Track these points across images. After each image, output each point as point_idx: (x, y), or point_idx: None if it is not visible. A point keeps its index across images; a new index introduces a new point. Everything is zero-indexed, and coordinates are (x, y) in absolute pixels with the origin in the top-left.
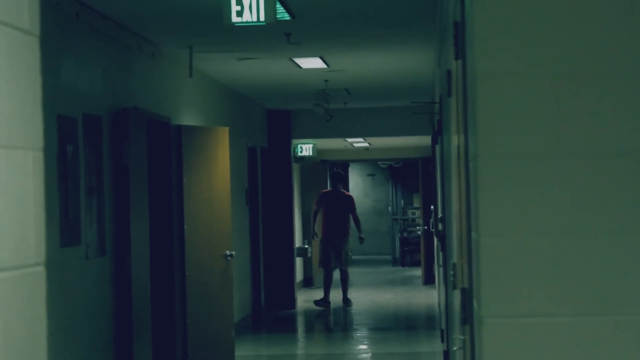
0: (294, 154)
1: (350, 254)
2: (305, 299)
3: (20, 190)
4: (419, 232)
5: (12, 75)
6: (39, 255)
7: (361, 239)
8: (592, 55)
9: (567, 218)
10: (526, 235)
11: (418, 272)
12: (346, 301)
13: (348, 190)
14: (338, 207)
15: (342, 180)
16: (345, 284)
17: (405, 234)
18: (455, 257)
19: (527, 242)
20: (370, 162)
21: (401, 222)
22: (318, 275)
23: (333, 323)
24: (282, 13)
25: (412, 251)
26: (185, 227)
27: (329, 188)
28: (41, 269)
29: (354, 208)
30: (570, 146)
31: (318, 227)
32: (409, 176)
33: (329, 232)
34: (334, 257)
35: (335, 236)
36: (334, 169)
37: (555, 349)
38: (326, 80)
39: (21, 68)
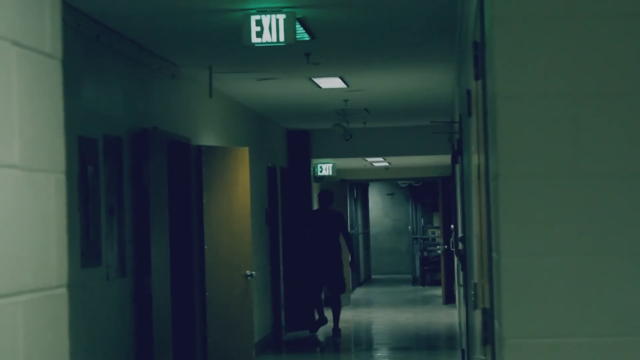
0: (313, 174)
1: (344, 278)
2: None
3: (42, 213)
4: (439, 251)
5: (35, 99)
6: (61, 278)
7: (353, 265)
8: (613, 75)
9: (589, 238)
10: (547, 256)
11: (438, 291)
12: (337, 332)
13: (353, 210)
14: (327, 226)
15: (330, 199)
16: (336, 313)
17: (425, 253)
18: (476, 277)
19: (549, 263)
20: (389, 181)
21: (421, 241)
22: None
23: (354, 343)
24: (301, 33)
25: (432, 270)
26: (206, 247)
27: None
28: (63, 291)
29: (346, 225)
30: (592, 166)
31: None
32: (428, 195)
33: (318, 256)
34: (324, 283)
35: (325, 261)
36: (322, 188)
37: None
38: (346, 100)
39: (44, 91)
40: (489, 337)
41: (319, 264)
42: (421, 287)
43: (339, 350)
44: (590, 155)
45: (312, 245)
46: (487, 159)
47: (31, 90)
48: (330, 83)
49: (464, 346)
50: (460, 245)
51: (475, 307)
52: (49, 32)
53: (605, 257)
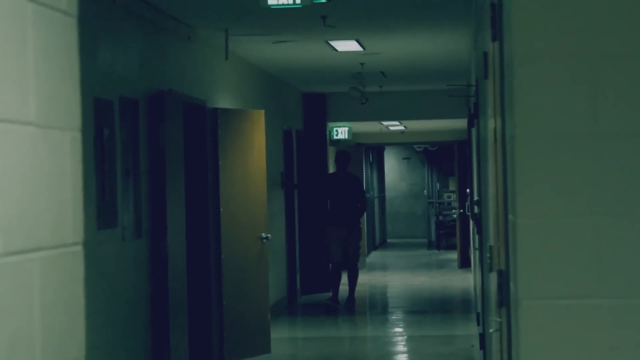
0: (329, 137)
1: (359, 248)
2: (341, 282)
3: (58, 171)
4: (455, 216)
5: (50, 56)
6: (77, 235)
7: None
8: (631, 35)
9: (605, 199)
10: (563, 217)
11: (453, 255)
12: (351, 302)
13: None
14: (345, 191)
15: (347, 160)
16: (352, 283)
17: (440, 217)
18: (491, 240)
19: (565, 224)
20: (405, 145)
21: (437, 205)
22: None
23: (368, 306)
24: None
25: (448, 234)
26: (221, 209)
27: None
28: (79, 249)
29: (363, 192)
30: (609, 127)
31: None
32: (444, 159)
33: (334, 220)
34: (341, 251)
35: (340, 226)
36: (339, 149)
37: (592, 331)
38: (362, 63)
39: (60, 49)
40: (504, 299)
41: (336, 232)
42: (436, 251)
43: (354, 313)
44: (607, 116)
45: (329, 212)
46: (503, 121)
47: (47, 47)
48: (347, 46)
49: (479, 309)
50: (476, 209)
51: (491, 270)
52: None
53: (622, 218)
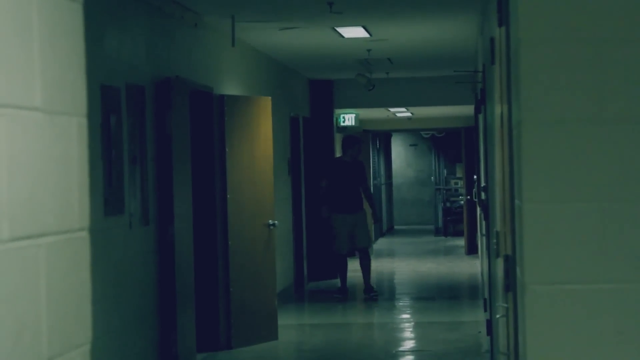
0: (336, 124)
1: (369, 231)
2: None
3: (64, 156)
4: (462, 202)
5: (56, 41)
6: (83, 221)
7: (375, 217)
8: (637, 20)
9: (611, 184)
10: (569, 202)
11: (461, 242)
12: (369, 290)
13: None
14: (348, 176)
15: (352, 145)
16: (366, 269)
17: (447, 204)
18: (498, 225)
19: (571, 209)
20: (412, 132)
21: (444, 191)
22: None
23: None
24: None
25: (455, 221)
26: (228, 196)
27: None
28: (85, 234)
29: (365, 178)
30: (615, 112)
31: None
32: (451, 146)
33: (339, 207)
34: (347, 238)
35: (346, 212)
36: (348, 134)
37: (599, 316)
38: (369, 50)
39: (65, 34)
40: (510, 284)
41: (341, 219)
42: (443, 237)
43: (361, 300)
44: (613, 101)
45: (333, 198)
46: (510, 107)
47: (52, 32)
48: (353, 32)
49: (486, 296)
50: (483, 195)
51: (498, 255)
52: None
53: (628, 203)
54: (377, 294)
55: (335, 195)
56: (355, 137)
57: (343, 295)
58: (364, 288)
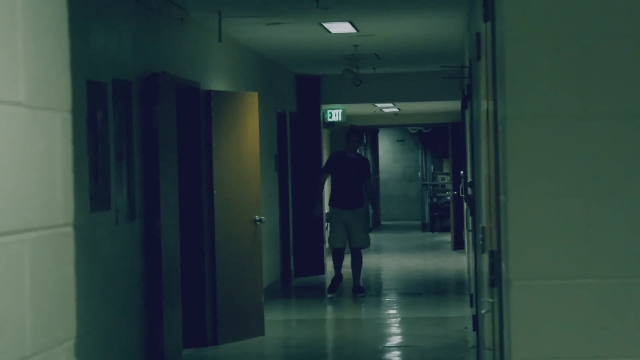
0: (323, 120)
1: (366, 230)
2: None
3: (48, 152)
4: (449, 198)
5: (40, 37)
6: (67, 216)
7: (375, 217)
8: (621, 16)
9: (596, 180)
10: (554, 197)
11: (447, 237)
12: (358, 289)
13: (365, 155)
14: (350, 171)
15: (348, 138)
16: (356, 269)
17: (434, 200)
18: (484, 221)
19: (556, 204)
20: (399, 127)
21: (431, 187)
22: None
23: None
24: None
25: (442, 217)
26: (215, 192)
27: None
28: (70, 230)
29: (369, 175)
30: (600, 107)
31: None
32: (438, 141)
33: (338, 202)
34: (343, 233)
35: (343, 207)
36: (351, 125)
37: (583, 311)
38: (355, 45)
39: (49, 30)
40: (496, 280)
41: (338, 215)
42: (430, 233)
43: (348, 296)
44: (598, 96)
45: (332, 193)
46: (495, 102)
47: (36, 28)
48: (340, 28)
49: (473, 291)
50: (470, 191)
51: (484, 251)
52: None
53: (613, 199)
54: (364, 295)
55: (335, 189)
56: (352, 129)
57: (334, 292)
58: (353, 286)
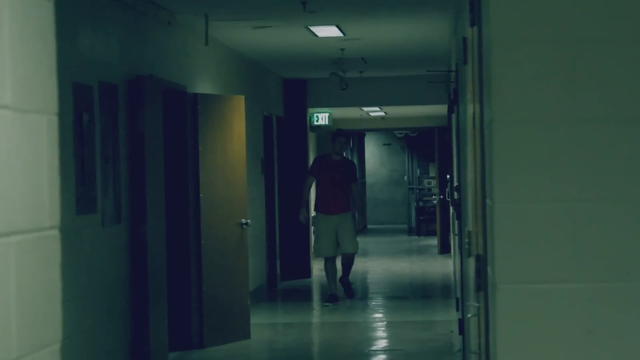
0: (309, 123)
1: (354, 235)
2: (320, 268)
3: (34, 154)
4: (435, 202)
5: (27, 39)
6: (53, 219)
7: (361, 220)
8: (608, 21)
9: (582, 184)
10: (540, 202)
11: (434, 241)
12: (349, 291)
13: (352, 158)
14: (335, 174)
15: (333, 141)
16: (346, 269)
17: (421, 204)
18: (470, 225)
19: (542, 209)
20: (386, 131)
21: (417, 191)
22: None
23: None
24: None
25: (428, 220)
26: (201, 195)
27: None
28: (56, 233)
29: (354, 177)
30: (586, 112)
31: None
32: (425, 145)
33: (324, 207)
34: (330, 240)
35: (329, 212)
36: (338, 129)
37: (569, 315)
38: (342, 49)
39: (36, 32)
40: (482, 284)
41: (325, 220)
42: (417, 237)
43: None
44: (585, 101)
45: (318, 197)
46: (481, 107)
47: (23, 30)
48: (327, 31)
49: (459, 295)
50: (456, 195)
51: (470, 255)
52: None
53: (599, 203)
54: (337, 300)
55: (320, 193)
56: (337, 133)
57: (333, 303)
58: (344, 288)
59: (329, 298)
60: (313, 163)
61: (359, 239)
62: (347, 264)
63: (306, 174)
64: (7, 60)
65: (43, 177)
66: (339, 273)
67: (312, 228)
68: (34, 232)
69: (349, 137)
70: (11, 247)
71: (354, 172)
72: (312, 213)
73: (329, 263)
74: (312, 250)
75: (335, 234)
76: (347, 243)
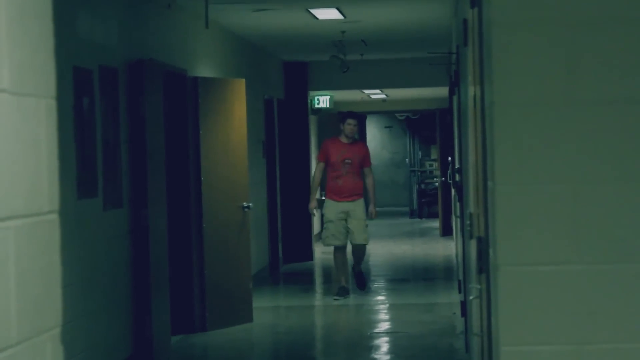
0: (310, 106)
1: (366, 222)
2: (322, 251)
3: (32, 138)
4: (437, 184)
5: (24, 23)
6: (52, 204)
7: (371, 213)
8: (609, 1)
9: (583, 165)
10: (541, 183)
11: (435, 223)
12: (361, 282)
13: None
14: (345, 158)
15: (351, 121)
16: (358, 259)
17: (422, 186)
18: (472, 207)
19: (543, 190)
20: (387, 113)
21: (418, 173)
22: None
23: (351, 275)
24: None
25: (430, 203)
26: (202, 179)
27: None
28: (55, 217)
29: (369, 161)
30: (587, 93)
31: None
32: (426, 128)
33: (334, 193)
34: (340, 229)
35: (342, 199)
36: (348, 111)
37: (571, 297)
38: (343, 32)
39: (34, 16)
40: (483, 266)
41: (335, 207)
42: (418, 219)
43: (336, 282)
44: (585, 82)
45: (328, 183)
46: (482, 89)
47: (21, 13)
48: (327, 14)
49: (461, 277)
50: (457, 177)
51: (471, 237)
52: None
53: (599, 185)
54: (348, 293)
55: (330, 179)
56: (347, 114)
57: (344, 297)
58: (355, 278)
59: (339, 291)
60: (321, 147)
61: None
62: (358, 253)
63: (317, 159)
64: (4, 43)
65: (42, 161)
66: (350, 264)
67: (316, 215)
68: (32, 216)
69: (362, 116)
70: (10, 231)
71: (366, 155)
72: (321, 197)
73: (339, 253)
74: (314, 233)
75: (345, 222)
76: (358, 233)
